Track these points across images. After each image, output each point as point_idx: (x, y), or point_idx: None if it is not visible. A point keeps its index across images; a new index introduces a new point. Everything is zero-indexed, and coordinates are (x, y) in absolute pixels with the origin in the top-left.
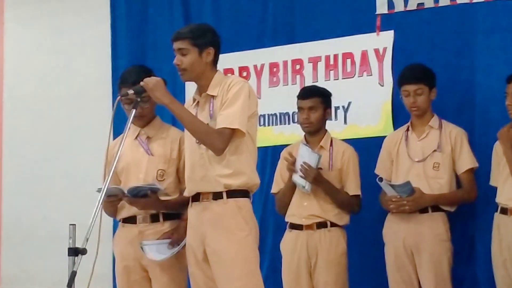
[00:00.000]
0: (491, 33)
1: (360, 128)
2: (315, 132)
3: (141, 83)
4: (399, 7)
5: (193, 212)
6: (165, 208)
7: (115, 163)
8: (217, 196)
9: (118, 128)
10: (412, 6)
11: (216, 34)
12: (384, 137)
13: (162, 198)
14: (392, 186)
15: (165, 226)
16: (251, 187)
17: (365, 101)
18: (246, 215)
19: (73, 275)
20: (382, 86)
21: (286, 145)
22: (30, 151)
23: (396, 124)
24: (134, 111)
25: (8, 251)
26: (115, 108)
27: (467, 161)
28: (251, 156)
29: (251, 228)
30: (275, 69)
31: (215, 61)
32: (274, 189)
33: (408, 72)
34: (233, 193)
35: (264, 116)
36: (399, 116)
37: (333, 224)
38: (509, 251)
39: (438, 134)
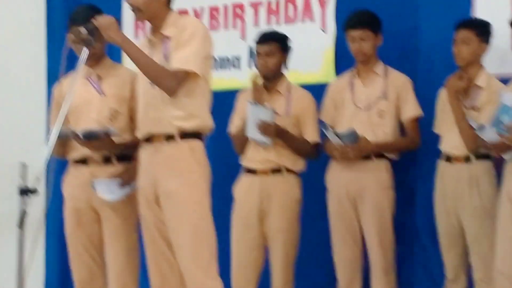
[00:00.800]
0: None
1: (301, 74)
2: (272, 77)
3: (94, 21)
4: None
5: (145, 153)
6: (118, 150)
7: (68, 104)
8: (169, 138)
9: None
10: None
11: None
12: (326, 84)
13: (115, 139)
14: (337, 134)
15: (118, 168)
16: (204, 129)
17: (307, 47)
18: (198, 157)
19: (23, 215)
20: (325, 32)
21: (226, 91)
22: None
23: (338, 71)
24: (86, 50)
25: None
26: (66, 48)
27: (412, 109)
28: (205, 99)
29: (203, 171)
30: (215, 13)
31: (169, 0)
32: (232, 129)
33: (354, 17)
34: (185, 135)
35: None
36: (342, 63)
37: (288, 170)
38: (452, 199)
39: (383, 81)
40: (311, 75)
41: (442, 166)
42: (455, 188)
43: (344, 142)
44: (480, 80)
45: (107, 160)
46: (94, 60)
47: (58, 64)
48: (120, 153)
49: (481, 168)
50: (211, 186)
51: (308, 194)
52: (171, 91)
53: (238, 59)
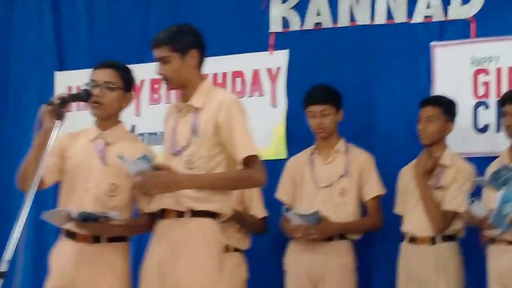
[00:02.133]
0: (391, 56)
1: None
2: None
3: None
4: (294, 25)
5: (156, 229)
6: (115, 234)
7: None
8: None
9: None
10: (309, 25)
11: (199, 34)
12: (277, 160)
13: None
14: (300, 215)
15: (108, 249)
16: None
17: (256, 123)
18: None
19: None
20: (275, 107)
21: None
22: None
23: (290, 147)
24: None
25: None
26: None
27: (374, 187)
28: None
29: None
30: (156, 86)
31: (200, 64)
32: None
33: (314, 92)
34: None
35: (143, 135)
36: (293, 139)
37: (235, 249)
38: (418, 282)
39: (345, 158)
40: (262, 152)
41: (405, 248)
42: (421, 271)
43: (306, 222)
44: (445, 159)
45: (96, 239)
46: (103, 122)
47: None
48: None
49: (448, 250)
50: None
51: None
52: (263, 183)
53: None
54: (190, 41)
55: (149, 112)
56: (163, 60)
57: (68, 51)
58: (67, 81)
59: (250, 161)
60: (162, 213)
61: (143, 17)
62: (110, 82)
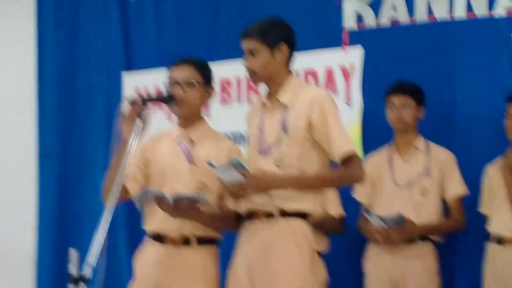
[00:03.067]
0: (472, 51)
1: None
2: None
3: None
4: (369, 21)
5: (243, 231)
6: (204, 222)
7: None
8: (269, 215)
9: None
10: (384, 21)
11: (289, 28)
12: None
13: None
14: (382, 218)
15: (198, 252)
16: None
17: None
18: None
19: None
20: (350, 106)
21: None
22: None
23: (366, 147)
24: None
25: None
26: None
27: (457, 187)
28: None
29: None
30: (227, 86)
31: (288, 59)
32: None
33: (396, 83)
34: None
35: None
36: (368, 139)
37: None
38: (506, 285)
39: (425, 156)
40: None
41: (492, 249)
42: (509, 273)
43: (388, 225)
44: None
45: (186, 241)
46: (186, 121)
47: (50, 141)
48: (201, 235)
49: None
50: None
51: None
52: (362, 178)
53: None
54: (280, 35)
55: (219, 112)
56: (251, 52)
57: (135, 52)
58: (135, 82)
59: (348, 157)
60: (251, 215)
61: (212, 17)
62: (191, 80)
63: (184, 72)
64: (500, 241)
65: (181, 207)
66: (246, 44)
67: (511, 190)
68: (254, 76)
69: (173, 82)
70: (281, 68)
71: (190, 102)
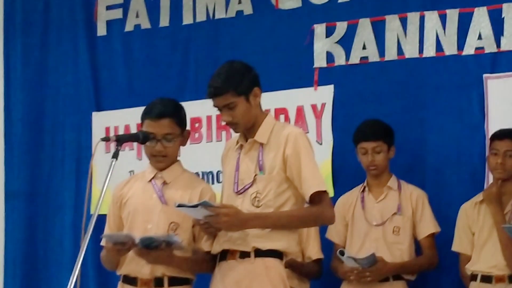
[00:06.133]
0: (442, 89)
1: None
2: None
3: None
4: (339, 60)
5: (217, 271)
6: (177, 265)
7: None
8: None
9: None
10: (354, 59)
11: (252, 68)
12: None
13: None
14: (354, 258)
15: None
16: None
17: None
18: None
19: None
20: (321, 144)
21: None
22: None
23: (337, 184)
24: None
25: None
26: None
27: (429, 225)
28: None
29: None
30: (197, 125)
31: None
32: None
33: (366, 128)
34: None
35: None
36: (340, 176)
37: None
38: None
39: (397, 195)
40: None
41: None
42: None
43: (361, 265)
44: None
45: (158, 283)
46: (164, 163)
47: (17, 180)
48: (174, 276)
49: None
50: None
51: None
52: (332, 219)
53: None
54: (251, 81)
55: (189, 151)
56: (228, 107)
57: (105, 91)
58: (105, 121)
59: (318, 197)
60: (225, 254)
61: (182, 55)
62: (169, 134)
63: (162, 127)
64: (487, 279)
65: (153, 252)
66: (221, 101)
67: (498, 218)
68: (236, 127)
69: (151, 138)
70: (258, 110)
71: (169, 155)
